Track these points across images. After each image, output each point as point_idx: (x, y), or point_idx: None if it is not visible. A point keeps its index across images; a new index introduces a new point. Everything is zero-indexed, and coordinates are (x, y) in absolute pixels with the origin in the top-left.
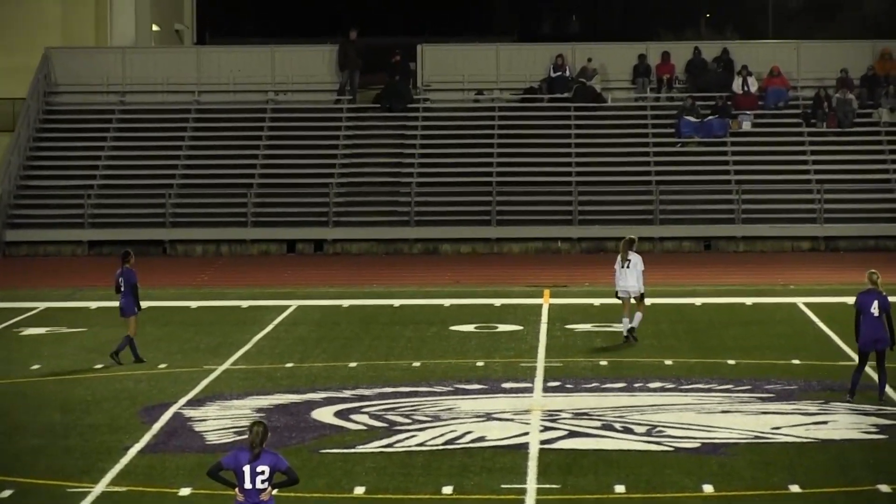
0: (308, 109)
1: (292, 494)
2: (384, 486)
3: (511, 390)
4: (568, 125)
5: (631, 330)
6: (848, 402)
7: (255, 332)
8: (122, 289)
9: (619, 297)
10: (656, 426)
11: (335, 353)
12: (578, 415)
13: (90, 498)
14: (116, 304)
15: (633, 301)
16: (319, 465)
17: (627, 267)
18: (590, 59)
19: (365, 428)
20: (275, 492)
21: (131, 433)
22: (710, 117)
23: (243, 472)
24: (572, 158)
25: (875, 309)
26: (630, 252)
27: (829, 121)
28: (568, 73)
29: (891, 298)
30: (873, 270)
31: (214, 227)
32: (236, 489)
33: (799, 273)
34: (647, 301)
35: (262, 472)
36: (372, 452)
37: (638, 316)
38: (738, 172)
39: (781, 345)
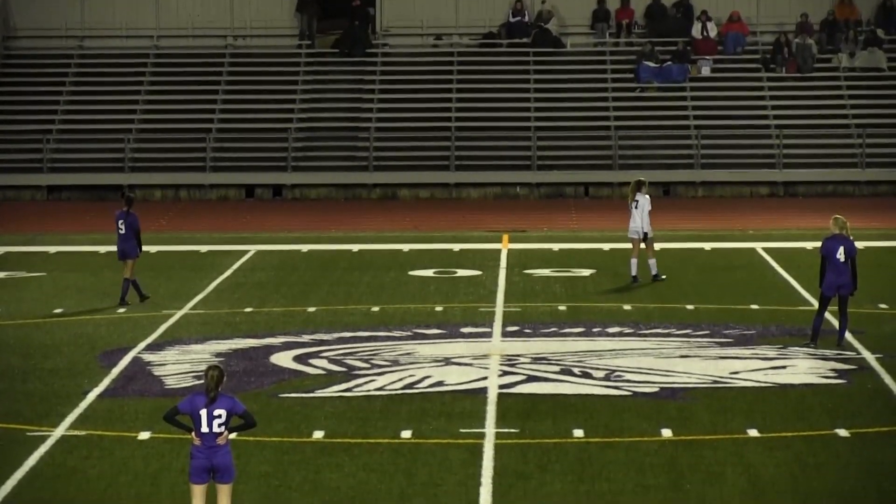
0: (267, 55)
1: (251, 438)
2: (343, 430)
3: (470, 335)
4: (527, 70)
5: (655, 276)
6: (810, 347)
7: (214, 277)
8: (124, 232)
9: (629, 238)
10: (615, 371)
11: (294, 297)
12: (537, 359)
13: (50, 442)
14: (75, 248)
15: (643, 244)
16: (278, 410)
17: (636, 208)
18: (544, 2)
19: (324, 372)
20: (232, 436)
21: (90, 377)
22: (669, 63)
23: (200, 416)
24: (531, 104)
25: (841, 254)
26: (638, 193)
27: (789, 66)
28: (527, 18)
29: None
30: (839, 216)
31: (173, 171)
32: (193, 433)
33: (758, 218)
34: (607, 246)
35: (219, 416)
36: (331, 397)
37: (651, 262)
38: (697, 118)
39: (740, 290)
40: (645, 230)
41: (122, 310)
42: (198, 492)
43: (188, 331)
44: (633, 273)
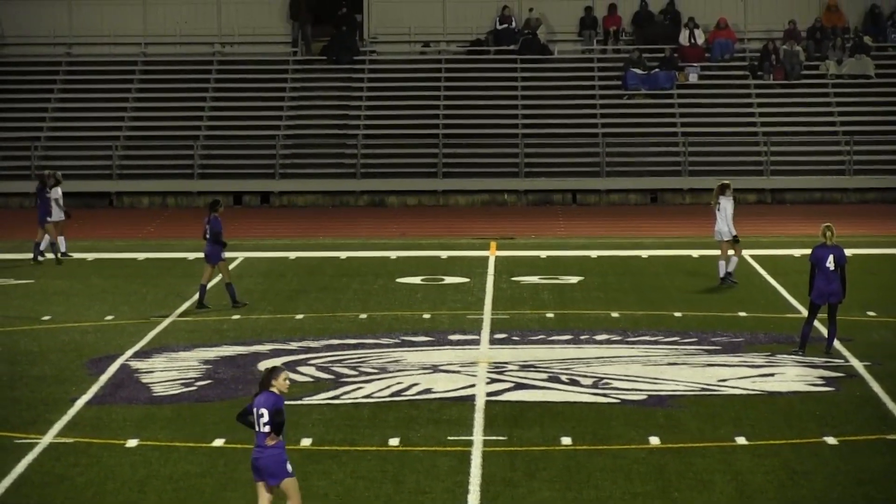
0: (255, 61)
1: (239, 446)
2: (330, 437)
3: (458, 342)
4: (514, 77)
5: (728, 274)
6: (798, 354)
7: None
8: (209, 237)
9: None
10: (602, 378)
11: (282, 305)
12: (525, 367)
13: (38, 449)
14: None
15: (728, 245)
16: None
17: (718, 210)
18: (531, 9)
19: (311, 380)
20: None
21: (78, 385)
22: (656, 70)
23: (253, 413)
24: (519, 111)
25: (830, 263)
26: (721, 196)
27: (776, 73)
28: (514, 26)
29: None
30: (828, 224)
31: (161, 178)
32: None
33: (745, 225)
34: (594, 253)
35: (262, 416)
36: (318, 404)
37: (733, 260)
38: (684, 125)
39: (728, 297)
40: (732, 232)
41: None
42: (258, 488)
43: (176, 338)
44: (721, 275)
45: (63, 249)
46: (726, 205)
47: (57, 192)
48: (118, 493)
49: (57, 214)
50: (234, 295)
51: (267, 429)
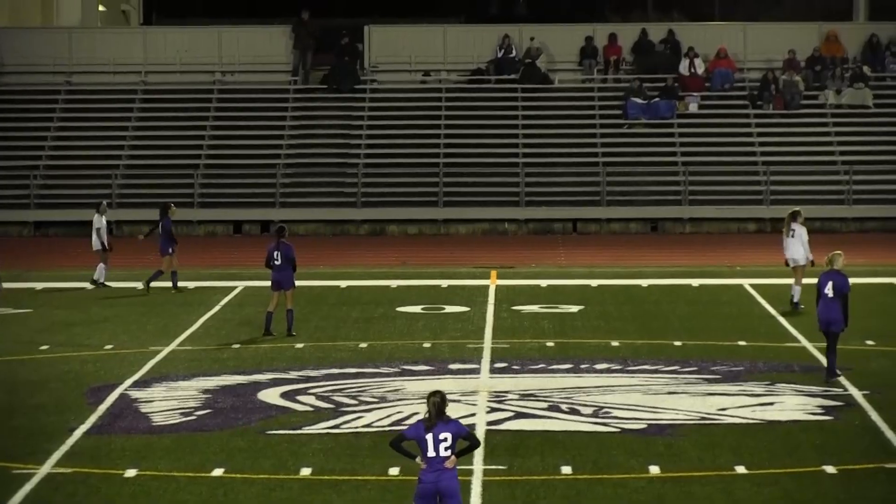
0: (255, 90)
1: (238, 476)
2: (331, 467)
3: (458, 371)
4: (515, 106)
5: (796, 304)
6: (834, 380)
7: (202, 313)
8: (279, 262)
9: (789, 266)
10: (603, 407)
11: (282, 333)
12: (525, 396)
13: (35, 479)
14: (62, 284)
15: (802, 269)
16: (266, 447)
17: (792, 236)
18: (532, 39)
19: (311, 409)
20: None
21: (77, 414)
22: (656, 99)
23: (426, 440)
24: (519, 140)
25: (829, 290)
26: (794, 223)
27: (776, 102)
28: (515, 54)
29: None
30: (837, 252)
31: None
32: (418, 458)
33: (745, 254)
34: (595, 282)
35: (445, 440)
36: (318, 433)
37: (797, 289)
38: (684, 154)
39: (728, 326)
40: (809, 257)
41: (299, 343)
42: None
43: (175, 367)
44: (796, 300)
45: (98, 278)
46: (801, 231)
47: (100, 222)
48: None
49: (95, 244)
50: (291, 323)
51: (448, 452)
